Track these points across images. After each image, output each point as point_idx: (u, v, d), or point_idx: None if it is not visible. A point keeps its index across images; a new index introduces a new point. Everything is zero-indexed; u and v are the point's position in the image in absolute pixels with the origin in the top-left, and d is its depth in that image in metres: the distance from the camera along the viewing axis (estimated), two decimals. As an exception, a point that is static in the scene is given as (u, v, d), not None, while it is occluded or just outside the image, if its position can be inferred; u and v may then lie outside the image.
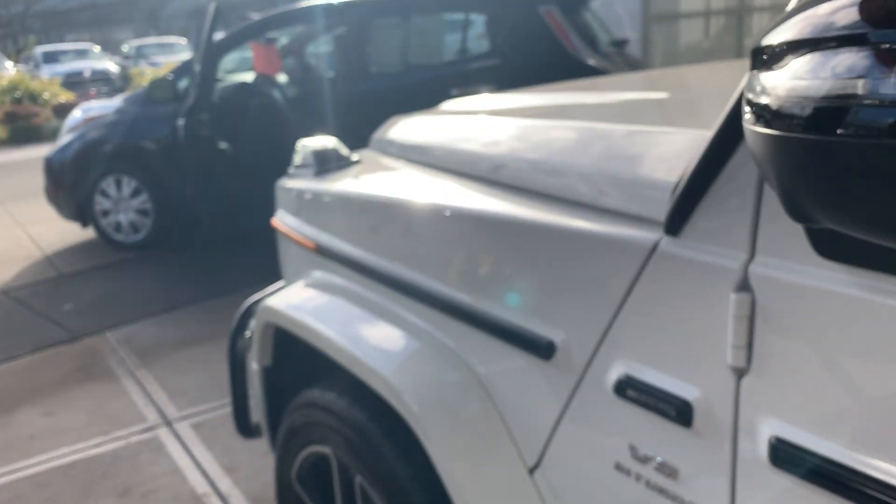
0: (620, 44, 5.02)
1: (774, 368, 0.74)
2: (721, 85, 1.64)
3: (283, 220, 1.75)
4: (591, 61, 4.53)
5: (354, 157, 1.75)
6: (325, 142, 1.75)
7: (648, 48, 6.35)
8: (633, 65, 4.96)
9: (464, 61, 4.70)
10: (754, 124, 0.59)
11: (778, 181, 0.59)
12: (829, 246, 0.67)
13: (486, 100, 2.12)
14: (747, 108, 0.61)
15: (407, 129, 1.81)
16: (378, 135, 1.95)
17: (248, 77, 5.01)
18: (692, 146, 0.85)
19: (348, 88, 4.65)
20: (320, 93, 4.75)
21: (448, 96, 4.67)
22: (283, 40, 5.39)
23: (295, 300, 1.56)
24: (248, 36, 4.81)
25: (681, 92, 1.71)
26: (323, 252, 1.53)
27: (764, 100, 0.58)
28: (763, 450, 0.74)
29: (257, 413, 1.75)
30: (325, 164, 1.70)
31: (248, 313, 1.76)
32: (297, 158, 1.76)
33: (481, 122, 1.58)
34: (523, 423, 1.07)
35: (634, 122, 1.25)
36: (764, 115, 0.58)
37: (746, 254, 0.76)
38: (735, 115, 0.74)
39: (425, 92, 4.68)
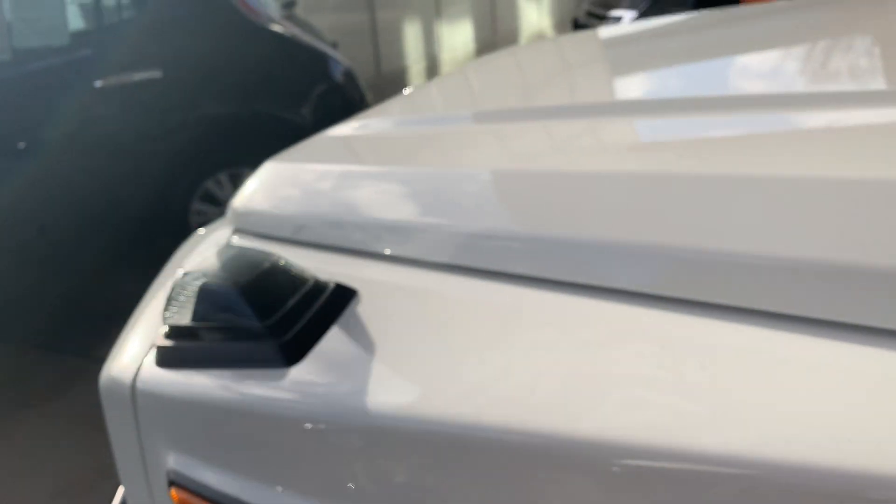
0: (289, 5, 4.11)
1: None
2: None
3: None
4: (277, 28, 3.58)
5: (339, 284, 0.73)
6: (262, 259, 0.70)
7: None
8: (311, 29, 4.11)
9: (103, 40, 3.33)
10: None
11: None
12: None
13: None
14: None
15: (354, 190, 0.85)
16: (252, 202, 0.94)
17: None
18: None
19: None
20: None
21: (89, 90, 3.33)
22: None
23: None
24: None
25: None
26: None
27: None
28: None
29: None
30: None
31: None
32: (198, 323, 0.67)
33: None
34: None
35: None
36: None
37: None
38: None
39: (45, 91, 3.22)
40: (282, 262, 0.71)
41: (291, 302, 0.67)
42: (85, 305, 3.38)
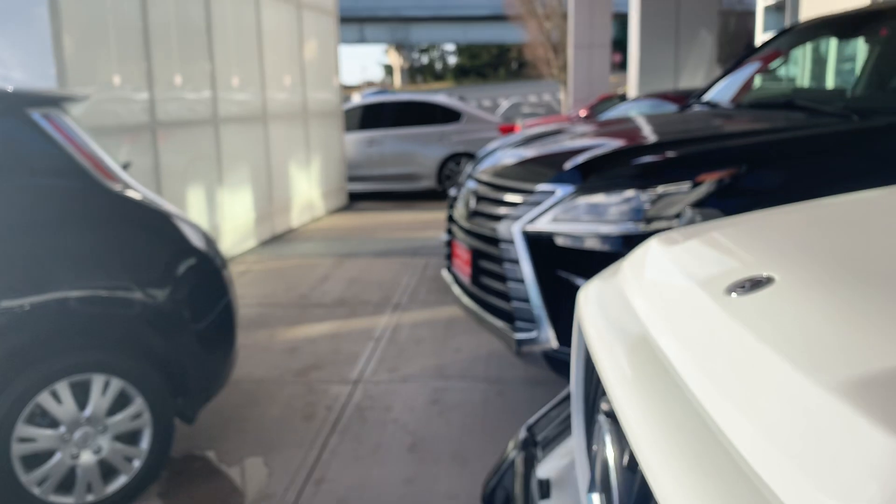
0: (126, 167, 3.39)
1: None
2: None
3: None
4: (133, 193, 2.87)
5: None
6: None
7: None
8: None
9: None
10: None
11: None
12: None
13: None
14: None
15: None
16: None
17: None
18: None
19: None
20: None
21: None
22: None
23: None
24: None
25: None
26: None
27: None
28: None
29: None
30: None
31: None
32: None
33: None
34: None
35: None
36: None
37: None
38: None
39: None
40: None
41: None
42: None
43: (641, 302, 1.15)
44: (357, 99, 7.90)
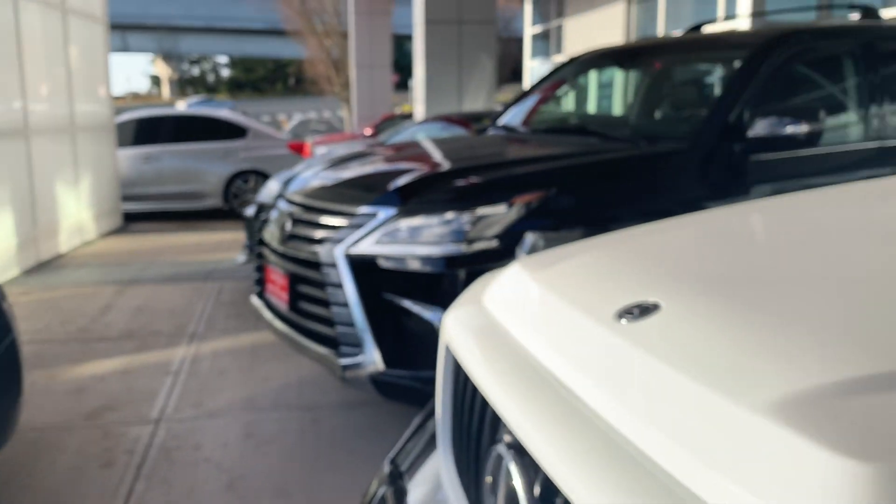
0: None
1: None
2: None
3: None
4: None
5: None
6: None
7: None
8: None
9: None
10: None
11: None
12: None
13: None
14: None
15: None
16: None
17: None
18: None
19: None
20: None
21: None
22: None
23: None
24: None
25: None
26: None
27: None
28: None
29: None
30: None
31: None
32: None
33: None
34: None
35: None
36: None
37: None
38: None
39: None
40: None
41: None
42: None
43: (526, 331, 1.17)
44: (182, 107, 7.39)
